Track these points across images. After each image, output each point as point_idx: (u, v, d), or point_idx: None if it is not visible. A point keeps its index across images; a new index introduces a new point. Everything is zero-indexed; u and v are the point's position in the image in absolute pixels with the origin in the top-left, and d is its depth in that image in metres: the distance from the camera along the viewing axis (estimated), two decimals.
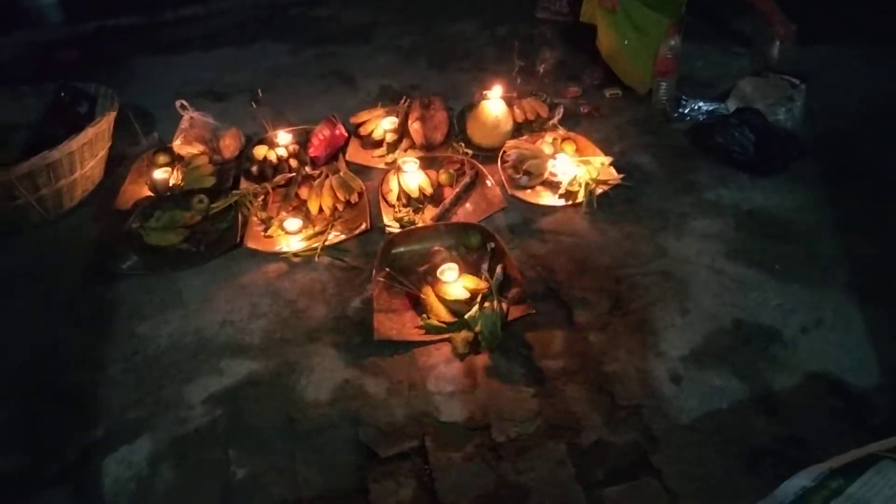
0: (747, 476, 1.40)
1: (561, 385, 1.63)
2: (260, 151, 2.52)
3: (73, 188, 2.34)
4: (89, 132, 2.28)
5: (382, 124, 2.63)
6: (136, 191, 2.42)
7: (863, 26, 3.01)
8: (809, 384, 1.60)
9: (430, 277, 1.89)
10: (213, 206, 2.26)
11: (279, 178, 2.39)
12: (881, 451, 1.22)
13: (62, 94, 2.52)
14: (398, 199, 2.27)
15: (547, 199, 2.29)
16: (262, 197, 2.32)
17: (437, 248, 2.01)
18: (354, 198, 2.29)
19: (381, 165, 2.51)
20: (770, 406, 1.55)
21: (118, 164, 2.57)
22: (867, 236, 2.00)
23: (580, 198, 2.23)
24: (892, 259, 1.94)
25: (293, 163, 2.49)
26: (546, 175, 2.32)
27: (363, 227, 2.18)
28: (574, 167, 2.29)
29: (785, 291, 1.84)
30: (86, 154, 2.32)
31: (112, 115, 2.43)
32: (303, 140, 2.60)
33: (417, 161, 2.36)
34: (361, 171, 2.48)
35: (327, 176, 2.36)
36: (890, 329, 1.72)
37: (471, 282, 1.85)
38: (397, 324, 1.81)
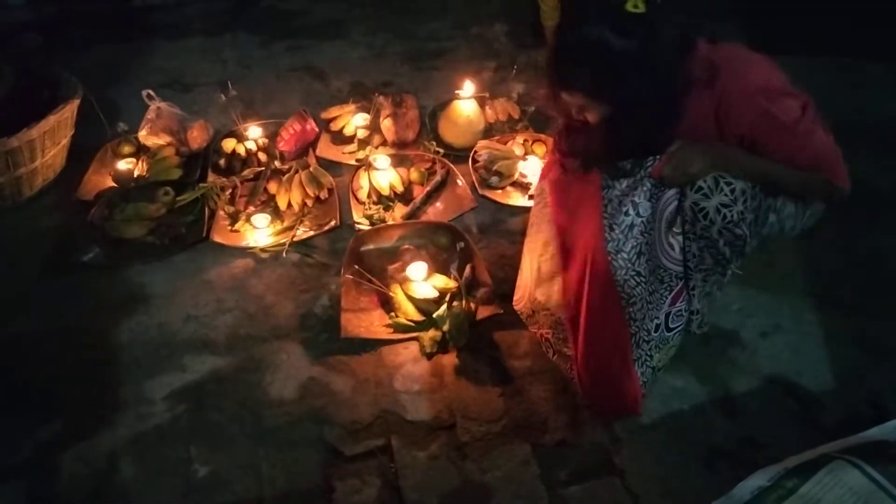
0: (706, 476, 1.43)
1: (527, 385, 1.64)
2: (228, 144, 2.48)
3: (33, 177, 2.28)
4: (51, 120, 2.22)
5: (354, 121, 2.62)
6: (100, 181, 2.37)
7: (828, 40, 3.10)
8: (766, 387, 1.64)
9: (399, 276, 1.89)
10: (179, 198, 2.22)
11: (248, 172, 2.36)
12: (833, 451, 1.26)
13: (23, 79, 2.44)
14: (368, 196, 2.27)
15: (516, 199, 2.30)
16: (230, 191, 2.29)
17: (406, 246, 2.02)
18: (324, 194, 2.28)
19: (352, 162, 2.49)
20: (729, 408, 1.59)
21: (81, 154, 2.50)
22: (825, 244, 2.06)
23: None
24: (849, 266, 2.00)
25: (262, 157, 2.46)
26: (516, 176, 2.34)
27: (332, 223, 2.17)
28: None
29: (745, 296, 1.89)
30: (47, 142, 2.26)
31: (75, 103, 2.37)
32: (272, 134, 2.57)
33: (389, 159, 2.36)
34: (332, 166, 2.46)
35: (297, 171, 2.33)
36: (844, 334, 1.78)
37: (440, 281, 1.86)
38: (365, 322, 1.80)
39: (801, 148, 1.36)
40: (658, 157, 1.36)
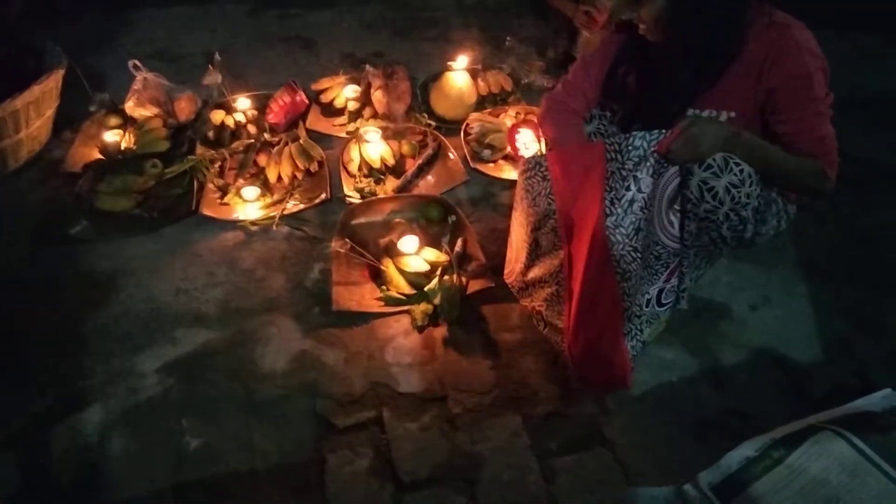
0: (694, 446, 1.45)
1: (518, 357, 1.65)
2: (217, 116, 2.45)
3: (17, 148, 2.24)
4: (35, 90, 2.17)
5: (344, 92, 2.59)
6: (86, 153, 2.33)
7: (828, 13, 3.07)
8: (755, 359, 1.66)
9: (391, 249, 1.88)
10: (167, 171, 2.20)
11: (237, 145, 2.33)
12: (820, 422, 1.28)
13: (6, 48, 2.39)
14: (359, 169, 2.24)
15: (508, 173, 2.29)
16: (219, 163, 2.26)
17: (397, 219, 2.01)
18: (314, 167, 2.25)
19: (343, 134, 2.47)
20: (717, 379, 1.60)
21: (66, 125, 2.46)
22: (816, 217, 2.07)
23: None
24: (839, 239, 2.02)
25: (252, 129, 2.43)
26: (508, 149, 2.32)
27: (323, 196, 2.15)
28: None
29: (735, 269, 1.90)
30: (31, 113, 2.22)
31: (60, 73, 2.33)
32: (262, 106, 2.54)
33: (380, 131, 2.33)
34: (322, 139, 2.44)
35: (287, 143, 2.31)
36: (832, 307, 1.80)
37: (431, 254, 1.85)
38: (356, 295, 1.80)
39: (815, 125, 1.38)
40: (664, 131, 1.34)
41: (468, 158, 2.31)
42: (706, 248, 1.49)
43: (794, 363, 1.65)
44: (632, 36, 1.54)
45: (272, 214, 2.08)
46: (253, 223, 2.06)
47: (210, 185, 2.17)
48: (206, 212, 2.08)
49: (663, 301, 1.54)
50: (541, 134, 1.75)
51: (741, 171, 1.33)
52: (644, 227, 1.39)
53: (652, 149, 1.34)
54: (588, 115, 1.68)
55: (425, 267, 1.81)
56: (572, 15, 2.59)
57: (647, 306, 1.50)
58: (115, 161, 2.24)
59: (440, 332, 1.72)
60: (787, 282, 1.87)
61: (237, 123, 2.44)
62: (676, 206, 1.39)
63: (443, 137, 2.38)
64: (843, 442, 1.19)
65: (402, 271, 1.81)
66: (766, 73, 1.38)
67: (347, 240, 1.87)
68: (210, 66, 2.53)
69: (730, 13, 1.38)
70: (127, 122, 2.42)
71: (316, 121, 2.54)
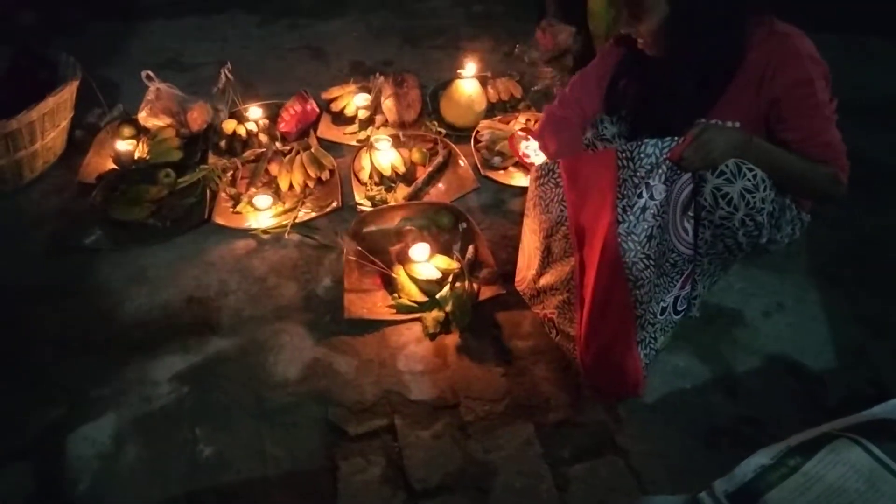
0: (708, 454, 1.44)
1: (530, 365, 1.65)
2: (229, 125, 2.47)
3: (33, 159, 2.27)
4: (50, 101, 2.20)
5: (355, 101, 2.60)
6: (100, 163, 2.36)
7: (832, 15, 3.06)
8: (768, 366, 1.64)
9: (402, 257, 1.89)
10: (180, 180, 2.21)
11: (249, 154, 2.35)
12: (835, 430, 1.26)
13: (20, 59, 2.42)
14: (370, 177, 2.26)
15: (519, 180, 2.29)
16: (231, 172, 2.28)
17: (408, 227, 2.01)
18: (326, 175, 2.26)
19: (353, 143, 2.48)
20: (731, 387, 1.59)
21: (81, 136, 2.49)
22: (828, 222, 2.05)
23: None
24: (851, 245, 2.00)
25: (263, 138, 2.45)
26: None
27: (334, 204, 2.16)
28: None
29: (748, 275, 1.88)
30: (46, 124, 2.24)
31: (74, 84, 2.35)
32: (273, 115, 2.56)
33: (390, 139, 2.34)
34: (333, 147, 2.45)
35: (298, 152, 2.32)
36: (846, 313, 1.78)
37: (442, 262, 1.85)
38: (368, 303, 1.80)
39: (821, 130, 1.38)
40: (677, 138, 1.34)
41: (478, 166, 2.32)
42: (720, 256, 1.49)
43: (808, 370, 1.63)
44: (631, 49, 1.54)
45: (284, 223, 2.09)
46: (265, 231, 2.07)
47: (222, 194, 2.19)
48: (219, 220, 2.09)
49: (678, 308, 1.53)
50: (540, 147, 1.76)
51: (754, 175, 1.32)
52: (657, 235, 1.38)
53: (664, 156, 1.34)
54: (610, 119, 1.69)
55: (436, 274, 1.82)
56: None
57: (661, 314, 1.49)
58: (128, 171, 2.27)
59: (452, 339, 1.72)
60: (800, 287, 1.86)
61: (249, 133, 2.46)
62: (690, 213, 1.39)
63: (453, 145, 2.39)
64: (860, 449, 1.17)
65: (413, 279, 1.81)
66: (768, 83, 1.38)
67: (359, 247, 1.87)
68: (221, 77, 2.54)
69: (729, 26, 1.38)
70: (140, 133, 2.45)
71: (327, 129, 2.55)
